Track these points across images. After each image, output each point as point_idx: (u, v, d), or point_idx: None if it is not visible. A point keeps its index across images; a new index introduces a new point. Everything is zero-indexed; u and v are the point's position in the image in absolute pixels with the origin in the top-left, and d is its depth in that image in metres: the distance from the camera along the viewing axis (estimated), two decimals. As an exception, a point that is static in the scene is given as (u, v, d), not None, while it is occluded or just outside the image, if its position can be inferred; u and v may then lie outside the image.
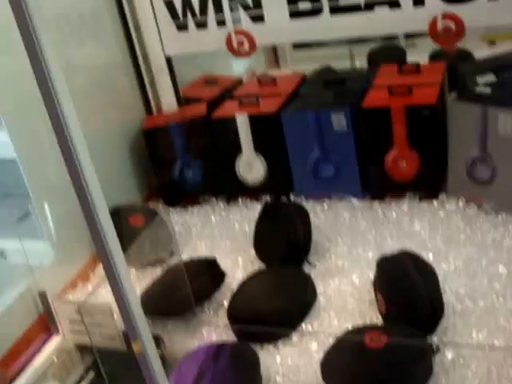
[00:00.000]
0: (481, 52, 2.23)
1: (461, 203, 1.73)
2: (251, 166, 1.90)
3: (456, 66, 1.96)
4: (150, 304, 1.50)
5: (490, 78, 1.76)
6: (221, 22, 1.88)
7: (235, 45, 1.88)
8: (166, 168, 1.99)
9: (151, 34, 2.00)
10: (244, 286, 1.53)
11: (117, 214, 1.59)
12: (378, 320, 1.42)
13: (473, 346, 1.31)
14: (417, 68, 1.89)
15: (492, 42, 2.44)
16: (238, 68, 2.53)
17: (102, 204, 0.96)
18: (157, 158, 2.01)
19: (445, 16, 1.62)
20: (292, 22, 1.80)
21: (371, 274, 1.50)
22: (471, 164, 1.68)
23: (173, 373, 1.30)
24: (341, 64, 2.41)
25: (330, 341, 1.34)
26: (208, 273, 1.57)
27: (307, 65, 2.38)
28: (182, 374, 1.31)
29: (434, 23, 1.64)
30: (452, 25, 1.63)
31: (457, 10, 1.61)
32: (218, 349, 1.34)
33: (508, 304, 1.39)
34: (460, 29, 1.63)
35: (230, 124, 1.88)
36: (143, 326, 1.07)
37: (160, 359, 1.29)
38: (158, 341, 1.41)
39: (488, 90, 1.69)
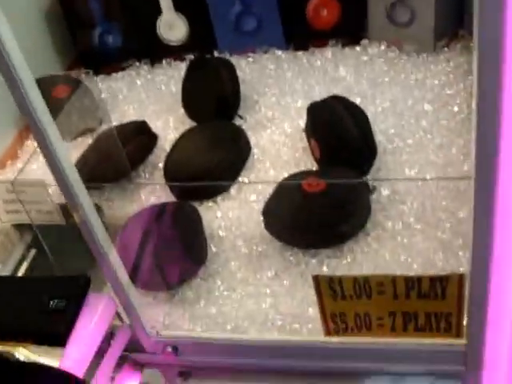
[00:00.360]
0: None
1: (383, 47, 1.74)
2: (172, 26, 1.86)
3: None
4: (83, 173, 1.49)
5: None
6: None
7: None
8: (85, 35, 1.93)
9: None
10: (177, 144, 1.52)
11: (38, 88, 1.54)
12: (313, 166, 1.45)
13: (406, 182, 1.36)
14: None
15: None
16: None
17: (27, 73, 0.92)
18: (74, 25, 1.94)
19: None
20: None
21: (302, 122, 1.53)
22: (390, 7, 1.68)
23: (117, 237, 1.31)
24: None
25: (269, 191, 1.36)
26: (140, 136, 1.56)
27: None
28: (127, 236, 1.31)
29: None
30: None
31: None
32: (160, 209, 1.35)
33: (435, 140, 1.44)
34: None
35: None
36: (82, 193, 1.06)
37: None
38: (96, 210, 1.41)
39: None
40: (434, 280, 0.98)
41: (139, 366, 1.26)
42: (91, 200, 1.13)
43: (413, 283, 0.99)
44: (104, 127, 1.69)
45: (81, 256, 1.14)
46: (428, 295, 1.01)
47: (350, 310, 1.06)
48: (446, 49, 1.69)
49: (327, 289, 1.03)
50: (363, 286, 1.01)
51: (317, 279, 1.02)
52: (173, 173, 1.47)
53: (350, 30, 1.77)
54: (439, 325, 1.05)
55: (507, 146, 0.74)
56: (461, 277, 0.96)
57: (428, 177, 1.36)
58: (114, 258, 1.08)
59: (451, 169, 1.36)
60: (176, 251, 1.28)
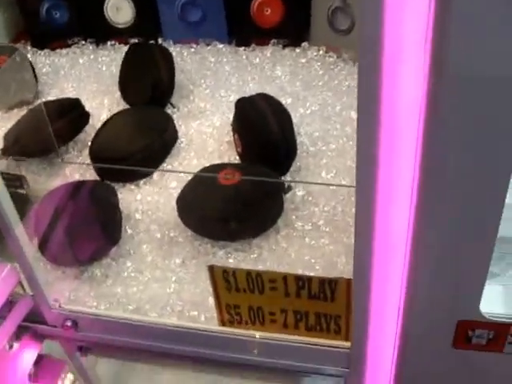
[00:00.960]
0: None
1: (321, 51, 1.77)
2: (119, 8, 1.87)
3: None
4: (12, 145, 1.50)
5: None
6: None
7: None
8: (33, 7, 1.92)
9: None
10: (105, 125, 1.54)
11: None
12: (236, 160, 1.48)
13: (321, 186, 1.40)
14: None
15: None
16: None
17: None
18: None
19: None
20: None
21: (231, 116, 1.55)
22: (332, 14, 1.71)
23: (31, 211, 1.33)
24: None
25: (190, 179, 1.39)
26: (72, 113, 1.56)
27: None
28: (43, 210, 1.33)
29: None
30: None
31: None
32: (78, 186, 1.37)
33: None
34: None
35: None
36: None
37: (24, 199, 1.33)
38: (21, 181, 1.42)
39: None
40: (323, 282, 1.02)
41: (40, 337, 1.29)
42: (15, 173, 1.15)
43: (303, 283, 1.03)
44: (40, 101, 1.71)
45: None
46: (318, 296, 1.05)
47: (244, 303, 1.10)
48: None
49: (222, 280, 1.06)
50: (256, 280, 1.05)
51: (212, 269, 1.05)
52: (97, 153, 1.48)
53: (292, 31, 1.80)
54: (329, 326, 1.09)
55: (386, 156, 0.78)
56: (349, 281, 1.00)
57: (343, 182, 1.39)
58: (20, 230, 1.11)
59: (367, 176, 1.39)
60: (89, 229, 1.31)
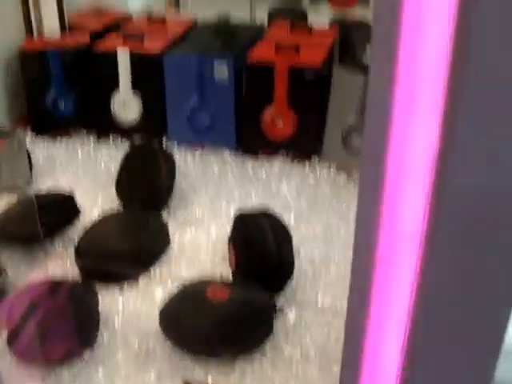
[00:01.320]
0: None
1: (332, 170, 1.73)
2: (126, 105, 1.84)
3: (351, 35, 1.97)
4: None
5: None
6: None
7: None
8: (40, 94, 1.90)
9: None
10: (97, 224, 1.48)
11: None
12: (228, 274, 1.40)
13: (316, 310, 1.32)
14: (309, 29, 1.87)
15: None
16: (135, 4, 2.45)
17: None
18: (31, 83, 1.91)
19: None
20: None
21: (229, 229, 1.49)
22: (346, 134, 1.67)
23: (5, 301, 1.25)
24: (242, 16, 2.36)
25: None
26: (62, 207, 1.53)
27: (209, 10, 2.34)
28: (16, 302, 1.25)
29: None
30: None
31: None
32: (56, 285, 1.29)
33: (357, 274, 1.40)
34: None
35: (111, 58, 1.81)
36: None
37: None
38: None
39: (373, 61, 1.69)
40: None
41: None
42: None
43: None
44: (32, 188, 1.66)
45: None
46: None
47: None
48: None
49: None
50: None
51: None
52: (84, 250, 1.41)
53: (303, 146, 1.76)
54: None
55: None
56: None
57: (339, 309, 1.31)
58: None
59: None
60: (63, 328, 1.22)
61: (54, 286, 1.29)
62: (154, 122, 1.87)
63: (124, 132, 1.89)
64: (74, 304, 1.27)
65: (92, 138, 1.92)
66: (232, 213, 1.58)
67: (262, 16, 2.45)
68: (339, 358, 1.19)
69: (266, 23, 2.37)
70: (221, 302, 1.21)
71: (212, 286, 1.25)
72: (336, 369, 1.20)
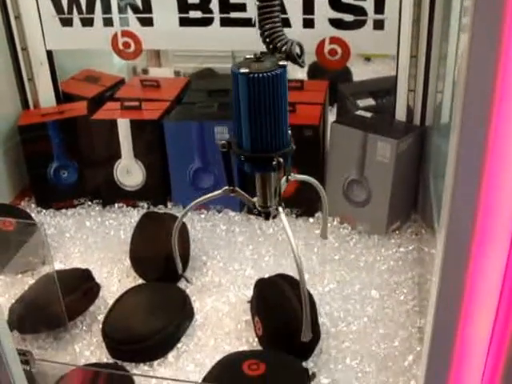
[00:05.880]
0: (358, 68, 2.34)
1: (336, 222, 1.77)
2: (130, 172, 1.86)
3: (335, 82, 2.02)
4: (19, 319, 1.44)
5: (370, 102, 1.82)
6: (108, 22, 1.85)
7: (121, 46, 1.86)
8: (41, 167, 1.92)
9: (32, 26, 1.91)
10: (119, 303, 1.49)
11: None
12: (254, 341, 1.42)
13: (346, 372, 1.35)
14: (301, 85, 1.91)
15: (367, 59, 2.56)
16: (119, 61, 2.46)
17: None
18: (31, 156, 1.92)
19: (332, 40, 1.65)
20: (181, 29, 1.79)
21: (247, 292, 1.52)
22: (348, 185, 1.71)
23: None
24: (223, 65, 2.38)
25: (207, 361, 1.34)
26: (82, 286, 1.52)
27: (189, 63, 2.37)
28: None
29: (321, 45, 1.67)
30: (338, 48, 1.66)
31: (344, 35, 1.65)
32: (94, 374, 1.31)
33: (379, 329, 1.43)
34: (346, 53, 1.66)
35: (111, 127, 1.84)
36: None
37: (29, 377, 1.25)
38: (26, 356, 1.36)
39: (368, 115, 1.73)
40: None
41: None
42: (21, 348, 1.07)
43: None
44: (46, 268, 1.65)
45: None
46: None
47: None
48: (397, 232, 1.72)
49: None
50: None
51: None
52: (111, 332, 1.42)
53: (306, 201, 1.78)
54: None
55: None
56: None
57: (368, 369, 1.34)
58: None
59: (391, 363, 1.35)
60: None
61: (92, 377, 1.31)
62: (157, 187, 1.89)
63: (129, 199, 1.91)
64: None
65: (97, 207, 1.94)
66: (247, 274, 1.61)
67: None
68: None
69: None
70: (257, 376, 1.23)
71: (245, 360, 1.26)
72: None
